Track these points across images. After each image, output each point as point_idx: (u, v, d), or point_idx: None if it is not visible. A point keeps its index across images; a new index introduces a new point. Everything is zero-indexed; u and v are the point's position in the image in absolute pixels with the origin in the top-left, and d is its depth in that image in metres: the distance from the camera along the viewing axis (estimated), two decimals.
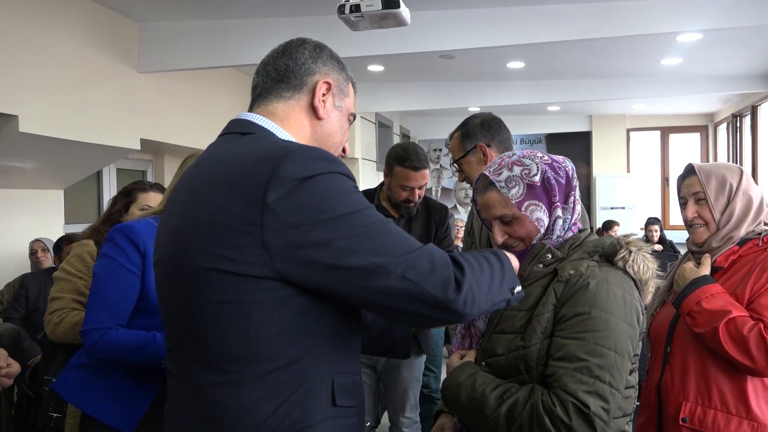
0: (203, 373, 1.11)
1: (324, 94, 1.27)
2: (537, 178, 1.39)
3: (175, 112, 5.10)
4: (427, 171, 2.89)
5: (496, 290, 1.14)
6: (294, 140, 1.23)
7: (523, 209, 1.39)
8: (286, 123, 1.25)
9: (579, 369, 1.23)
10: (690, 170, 1.89)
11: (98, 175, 5.24)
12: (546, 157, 1.44)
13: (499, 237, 1.43)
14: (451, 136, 2.32)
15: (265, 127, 1.22)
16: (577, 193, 1.45)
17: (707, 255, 1.82)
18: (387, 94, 7.37)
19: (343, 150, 1.36)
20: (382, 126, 8.58)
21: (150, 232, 1.86)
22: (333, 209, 1.05)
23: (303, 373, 1.09)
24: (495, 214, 1.42)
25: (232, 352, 1.08)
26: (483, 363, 1.38)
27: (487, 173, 1.44)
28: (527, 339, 1.31)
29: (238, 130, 1.23)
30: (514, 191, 1.39)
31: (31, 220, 4.42)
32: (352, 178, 1.14)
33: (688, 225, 1.87)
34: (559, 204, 1.40)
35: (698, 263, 1.82)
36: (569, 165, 1.46)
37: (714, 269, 1.80)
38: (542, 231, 1.40)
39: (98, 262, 1.88)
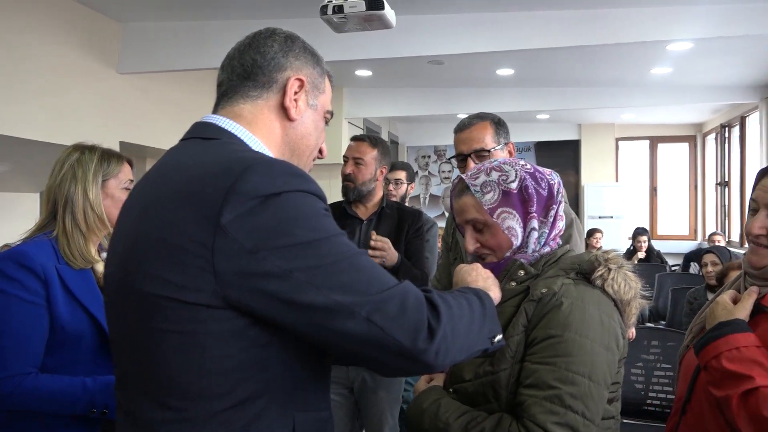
0: (150, 410, 0.99)
1: (296, 93, 1.14)
2: (514, 185, 1.31)
3: (156, 115, 5.00)
4: (365, 144, 2.76)
5: (473, 339, 1.04)
6: (264, 146, 1.12)
7: (495, 216, 1.31)
8: (254, 126, 1.12)
9: (549, 398, 1.13)
10: None
11: None
12: (528, 166, 1.35)
13: (471, 245, 1.35)
14: (470, 122, 2.08)
15: (232, 131, 1.10)
16: (561, 208, 1.36)
17: (753, 289, 1.31)
18: (375, 99, 7.33)
19: (320, 151, 1.24)
20: (370, 132, 8.51)
21: (46, 252, 1.64)
22: (296, 234, 0.93)
23: (259, 412, 0.97)
24: (467, 218, 1.34)
25: (182, 387, 0.96)
26: (450, 389, 1.28)
27: (464, 177, 1.36)
28: (496, 364, 1.21)
29: (201, 134, 1.10)
30: (488, 197, 1.31)
31: (6, 224, 4.30)
32: (323, 199, 1.01)
33: (750, 240, 1.34)
34: (535, 215, 1.31)
35: (743, 291, 1.34)
36: (555, 179, 1.36)
37: (759, 308, 1.29)
38: (516, 243, 1.31)
39: None
